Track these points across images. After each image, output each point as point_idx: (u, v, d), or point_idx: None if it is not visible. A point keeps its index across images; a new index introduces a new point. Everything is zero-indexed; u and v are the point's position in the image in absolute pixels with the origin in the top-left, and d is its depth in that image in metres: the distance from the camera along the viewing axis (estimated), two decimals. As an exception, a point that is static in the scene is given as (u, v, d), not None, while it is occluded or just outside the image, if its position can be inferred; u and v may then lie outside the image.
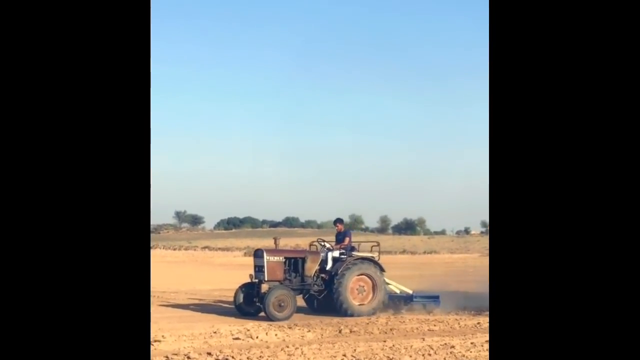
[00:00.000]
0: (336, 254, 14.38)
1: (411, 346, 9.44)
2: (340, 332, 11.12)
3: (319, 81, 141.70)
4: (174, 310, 14.72)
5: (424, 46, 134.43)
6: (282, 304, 12.88)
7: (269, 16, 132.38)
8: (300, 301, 14.42)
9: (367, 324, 12.23)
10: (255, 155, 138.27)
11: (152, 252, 52.43)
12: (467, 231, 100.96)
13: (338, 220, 15.22)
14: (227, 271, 30.11)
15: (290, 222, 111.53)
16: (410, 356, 8.73)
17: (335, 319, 12.79)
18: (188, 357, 8.41)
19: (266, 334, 10.52)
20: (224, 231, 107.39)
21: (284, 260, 13.79)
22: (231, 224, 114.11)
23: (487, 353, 8.59)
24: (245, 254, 50.95)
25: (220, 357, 8.43)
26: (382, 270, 14.21)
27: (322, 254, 14.37)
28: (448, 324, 12.19)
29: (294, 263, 13.95)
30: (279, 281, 13.56)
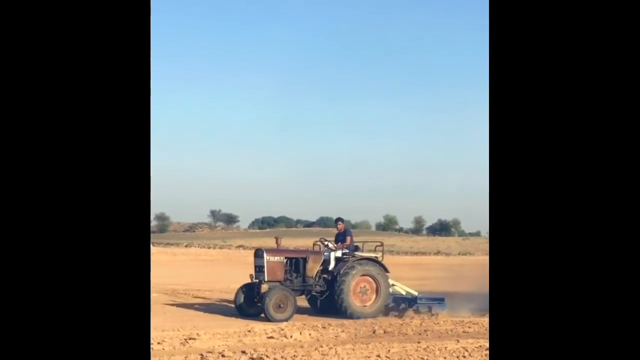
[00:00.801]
0: (339, 253, 14.05)
1: (445, 348, 9.37)
2: (374, 332, 11.09)
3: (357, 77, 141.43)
4: (208, 308, 14.86)
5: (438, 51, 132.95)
6: (282, 305, 12.64)
7: (269, 16, 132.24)
8: (304, 302, 14.25)
9: (401, 324, 12.18)
10: (289, 156, 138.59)
11: (187, 250, 52.82)
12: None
13: (339, 220, 14.82)
14: (261, 270, 30.17)
15: (324, 222, 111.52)
16: (445, 358, 8.67)
17: (369, 320, 12.75)
18: (222, 355, 8.45)
19: (300, 333, 10.53)
20: (258, 230, 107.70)
21: (284, 260, 13.54)
22: (265, 224, 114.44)
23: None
24: (279, 254, 50.92)
25: (254, 356, 8.46)
26: (386, 270, 13.85)
27: (325, 254, 14.08)
28: (483, 326, 12.05)
29: (295, 263, 13.72)
30: (279, 281, 13.28)
